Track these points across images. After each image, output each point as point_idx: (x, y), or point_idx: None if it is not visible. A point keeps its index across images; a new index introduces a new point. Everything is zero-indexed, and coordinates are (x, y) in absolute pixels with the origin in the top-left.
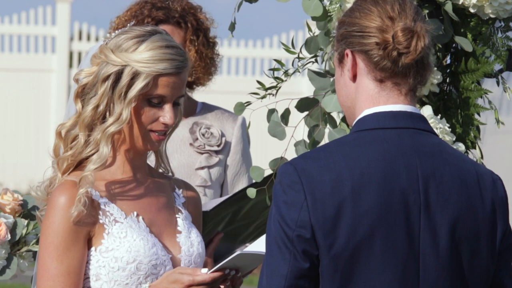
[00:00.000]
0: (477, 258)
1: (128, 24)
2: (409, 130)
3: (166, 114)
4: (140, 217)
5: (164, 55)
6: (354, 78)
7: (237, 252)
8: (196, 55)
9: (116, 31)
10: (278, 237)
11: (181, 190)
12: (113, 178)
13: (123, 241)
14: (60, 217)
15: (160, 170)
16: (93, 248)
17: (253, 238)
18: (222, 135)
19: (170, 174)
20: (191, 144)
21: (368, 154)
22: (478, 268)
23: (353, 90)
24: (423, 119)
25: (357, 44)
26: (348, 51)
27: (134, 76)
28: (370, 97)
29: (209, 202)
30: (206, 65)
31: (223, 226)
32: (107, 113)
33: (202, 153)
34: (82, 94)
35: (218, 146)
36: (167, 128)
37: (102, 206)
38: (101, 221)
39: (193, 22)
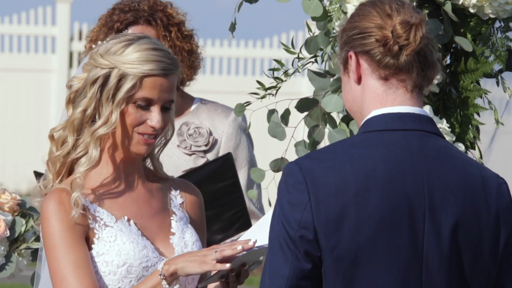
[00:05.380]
0: (480, 263)
1: (101, 33)
2: (416, 132)
3: (153, 117)
4: (132, 221)
5: (151, 56)
6: (359, 80)
7: (243, 252)
8: (171, 50)
9: (100, 42)
10: (281, 237)
11: (178, 191)
12: (104, 183)
13: (112, 245)
14: (54, 220)
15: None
16: None
17: (236, 229)
18: (210, 133)
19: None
20: (178, 146)
21: (374, 156)
22: (480, 272)
23: (359, 93)
24: (430, 121)
25: (358, 45)
26: (351, 53)
27: (121, 78)
28: (377, 97)
29: None
30: (184, 58)
31: None
32: (96, 116)
33: (190, 155)
34: (74, 99)
35: (206, 145)
36: (156, 132)
37: (92, 212)
38: (91, 226)
39: (163, 18)
